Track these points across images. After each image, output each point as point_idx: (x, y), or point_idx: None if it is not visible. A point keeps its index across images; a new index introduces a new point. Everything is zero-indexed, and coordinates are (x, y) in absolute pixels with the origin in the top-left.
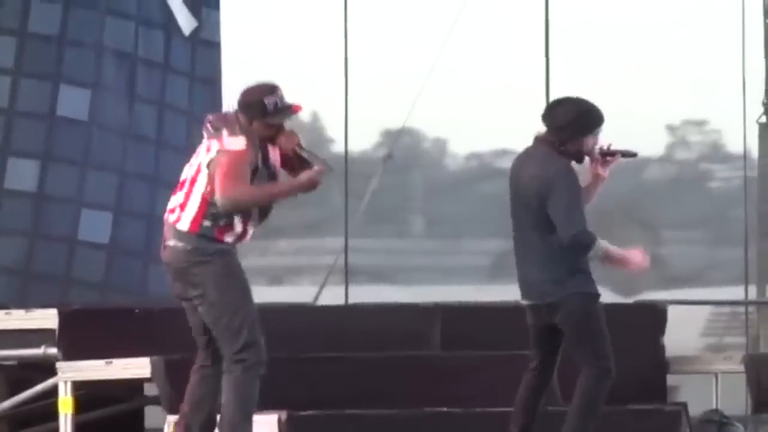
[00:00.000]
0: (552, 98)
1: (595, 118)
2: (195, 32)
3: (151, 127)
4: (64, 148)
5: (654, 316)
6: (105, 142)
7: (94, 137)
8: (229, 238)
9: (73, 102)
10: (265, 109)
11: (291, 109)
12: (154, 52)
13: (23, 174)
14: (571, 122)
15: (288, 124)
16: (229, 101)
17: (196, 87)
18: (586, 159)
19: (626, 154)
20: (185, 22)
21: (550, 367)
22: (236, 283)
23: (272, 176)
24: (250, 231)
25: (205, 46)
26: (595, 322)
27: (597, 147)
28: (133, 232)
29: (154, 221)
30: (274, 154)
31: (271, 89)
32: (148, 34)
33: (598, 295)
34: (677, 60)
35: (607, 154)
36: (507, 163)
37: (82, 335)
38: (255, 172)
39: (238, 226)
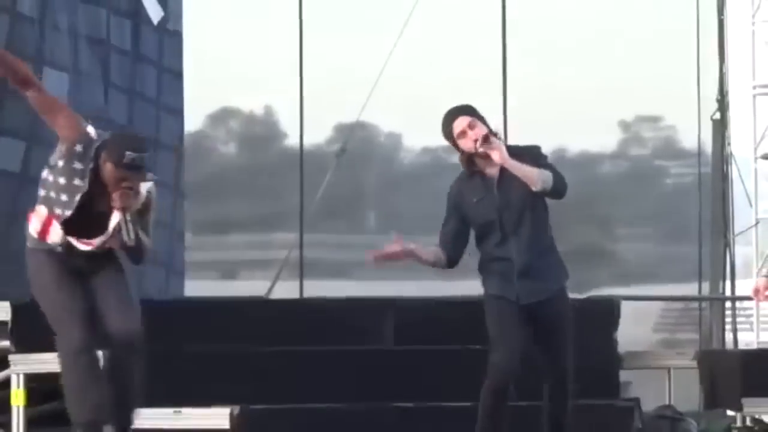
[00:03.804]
0: (508, 94)
1: (444, 125)
2: (162, 22)
3: (122, 115)
4: (47, 130)
5: (607, 312)
6: None
7: None
8: (53, 239)
9: (54, 85)
10: (121, 159)
11: (139, 174)
12: (124, 40)
13: (10, 154)
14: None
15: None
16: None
17: (164, 77)
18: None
19: (490, 131)
20: (153, 11)
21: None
22: (38, 279)
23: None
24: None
25: (171, 36)
26: (489, 324)
27: (476, 142)
28: None
29: None
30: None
31: (139, 144)
32: (118, 23)
33: (490, 296)
34: (632, 56)
35: (483, 142)
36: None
37: (34, 328)
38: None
39: (56, 228)
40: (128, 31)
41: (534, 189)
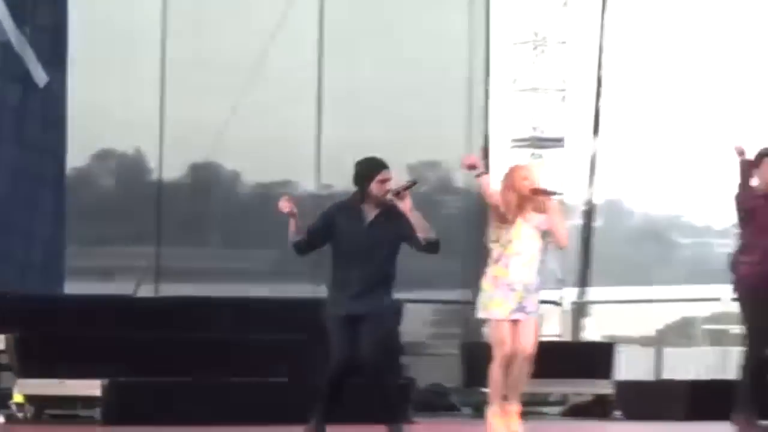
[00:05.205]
0: (322, 143)
1: (366, 167)
2: (46, 85)
3: (10, 160)
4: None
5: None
6: None
7: None
8: None
9: None
10: None
11: None
12: (14, 99)
13: None
14: (355, 177)
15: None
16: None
17: (48, 126)
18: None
19: (408, 186)
20: (39, 77)
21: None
22: None
23: None
24: None
25: (54, 94)
26: (330, 332)
27: (391, 190)
28: None
29: None
30: None
31: None
32: (9, 86)
33: (330, 310)
34: (417, 114)
35: (396, 193)
36: (285, 190)
37: (16, 311)
38: None
39: None
40: (18, 92)
41: (422, 236)
